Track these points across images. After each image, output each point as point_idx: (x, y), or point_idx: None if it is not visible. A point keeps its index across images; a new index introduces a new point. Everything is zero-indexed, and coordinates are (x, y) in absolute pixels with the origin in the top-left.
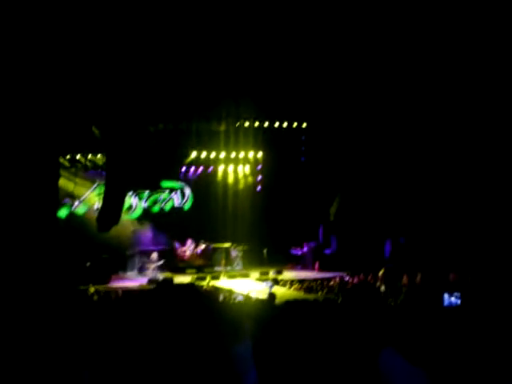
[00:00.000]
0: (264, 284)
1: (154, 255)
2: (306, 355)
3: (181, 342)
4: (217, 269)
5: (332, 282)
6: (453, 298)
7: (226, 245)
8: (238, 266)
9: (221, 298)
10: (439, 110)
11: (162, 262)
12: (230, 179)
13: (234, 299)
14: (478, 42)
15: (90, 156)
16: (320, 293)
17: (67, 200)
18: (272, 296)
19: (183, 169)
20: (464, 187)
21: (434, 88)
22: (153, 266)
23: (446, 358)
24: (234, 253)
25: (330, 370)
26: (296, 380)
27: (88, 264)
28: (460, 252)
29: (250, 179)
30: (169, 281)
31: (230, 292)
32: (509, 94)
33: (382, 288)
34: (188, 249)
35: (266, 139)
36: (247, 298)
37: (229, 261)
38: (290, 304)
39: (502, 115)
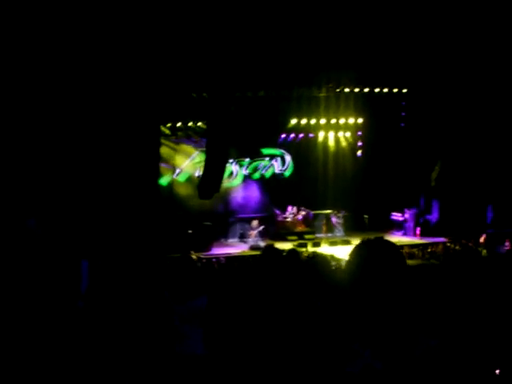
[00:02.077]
0: None
1: (255, 222)
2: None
3: (282, 304)
4: (318, 235)
5: (434, 248)
6: None
7: (327, 211)
8: (338, 232)
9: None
10: None
11: (262, 229)
12: (331, 145)
13: (336, 266)
14: None
15: (190, 124)
16: (422, 258)
17: (169, 168)
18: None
19: (283, 135)
20: None
21: None
22: (254, 232)
23: None
24: (334, 219)
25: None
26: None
27: (190, 231)
28: None
29: (351, 145)
30: (273, 247)
31: (332, 258)
32: None
33: (484, 253)
34: (289, 215)
35: (366, 105)
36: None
37: (330, 227)
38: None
39: None
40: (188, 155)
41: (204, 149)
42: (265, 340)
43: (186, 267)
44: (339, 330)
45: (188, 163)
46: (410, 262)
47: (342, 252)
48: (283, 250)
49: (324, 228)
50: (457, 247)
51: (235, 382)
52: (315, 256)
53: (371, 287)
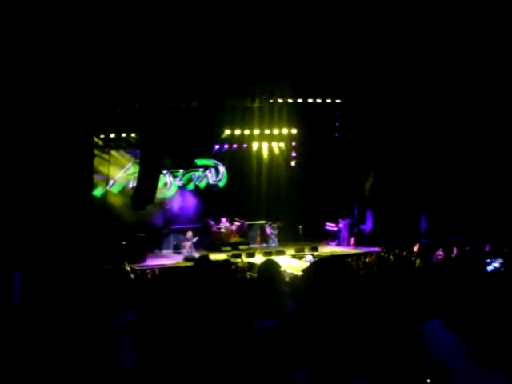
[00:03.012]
0: (308, 257)
1: (189, 233)
2: (343, 334)
3: (213, 314)
4: (252, 246)
5: (368, 258)
6: (496, 265)
7: (261, 222)
8: (273, 242)
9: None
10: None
11: (196, 240)
12: (265, 156)
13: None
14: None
15: (124, 134)
16: (355, 268)
17: (102, 179)
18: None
19: (217, 146)
20: (499, 159)
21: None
22: (188, 243)
23: (487, 329)
24: (269, 230)
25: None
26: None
27: (124, 242)
28: (496, 224)
29: (285, 156)
30: (206, 258)
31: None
32: None
33: (418, 262)
34: (223, 226)
35: (300, 115)
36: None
37: (264, 238)
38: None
39: None
40: (122, 166)
41: (138, 160)
42: (196, 350)
43: (119, 279)
44: (279, 341)
45: (122, 174)
46: None
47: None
48: (216, 261)
49: (258, 238)
50: (390, 257)
51: None
52: (269, 262)
53: (320, 303)
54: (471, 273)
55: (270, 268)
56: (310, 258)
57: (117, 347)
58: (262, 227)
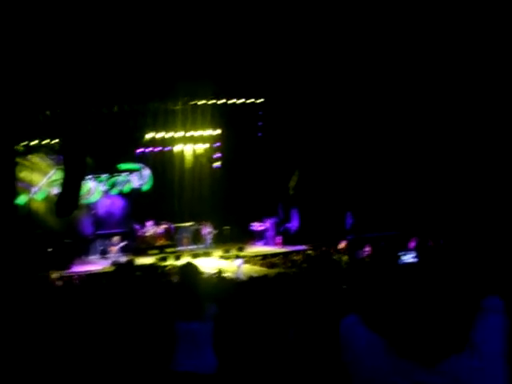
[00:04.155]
0: (236, 261)
1: (116, 238)
2: (267, 330)
3: (135, 319)
4: (179, 248)
5: (295, 256)
6: (408, 257)
7: (188, 224)
8: (200, 244)
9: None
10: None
11: (123, 244)
12: (188, 158)
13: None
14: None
15: (46, 141)
16: (282, 267)
17: (25, 187)
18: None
19: (141, 150)
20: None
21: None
22: (115, 248)
23: (401, 322)
24: (205, 230)
25: (291, 344)
26: (256, 357)
27: (49, 249)
28: (421, 218)
29: (208, 157)
30: (127, 263)
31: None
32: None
33: (345, 259)
34: (149, 230)
35: (222, 116)
36: (216, 276)
37: (191, 240)
38: (254, 280)
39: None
40: (45, 173)
41: (61, 166)
42: (119, 355)
43: (41, 286)
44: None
45: (45, 181)
46: (271, 271)
47: (204, 264)
48: (141, 266)
49: (185, 241)
50: (317, 254)
51: None
52: (188, 265)
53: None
54: (384, 267)
55: (190, 271)
56: (238, 261)
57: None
58: (189, 229)
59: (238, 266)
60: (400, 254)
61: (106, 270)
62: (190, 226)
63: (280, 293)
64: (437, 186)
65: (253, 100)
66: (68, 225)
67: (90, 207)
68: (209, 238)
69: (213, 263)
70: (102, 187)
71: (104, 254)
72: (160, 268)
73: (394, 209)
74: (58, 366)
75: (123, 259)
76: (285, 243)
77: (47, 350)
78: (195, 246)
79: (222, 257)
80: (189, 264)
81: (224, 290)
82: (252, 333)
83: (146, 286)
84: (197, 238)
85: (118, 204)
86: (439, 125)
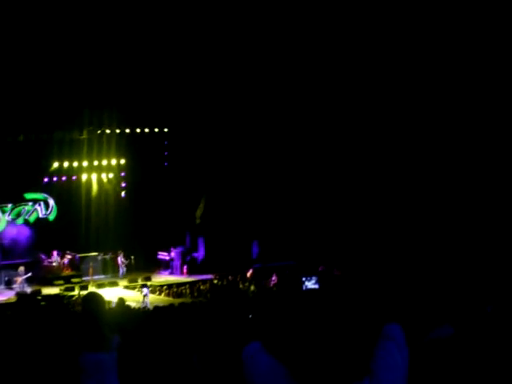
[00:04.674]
0: (143, 290)
1: (21, 268)
2: (171, 363)
3: (39, 350)
4: (85, 279)
5: (202, 286)
6: (310, 283)
7: (93, 254)
8: (104, 274)
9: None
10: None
11: (29, 275)
12: (94, 187)
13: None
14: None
15: None
16: (189, 296)
17: None
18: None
19: (46, 179)
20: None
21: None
22: (20, 278)
23: (307, 350)
24: (120, 259)
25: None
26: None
27: None
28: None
29: (114, 186)
30: (32, 293)
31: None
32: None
33: (252, 288)
34: (54, 260)
35: (128, 146)
36: (118, 305)
37: (99, 270)
38: (159, 309)
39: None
40: None
41: None
42: None
43: None
44: None
45: None
46: (177, 300)
47: (109, 294)
48: (41, 296)
49: (91, 271)
50: (224, 283)
51: None
52: (91, 295)
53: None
54: (288, 295)
55: (93, 301)
56: (145, 290)
57: None
58: (94, 259)
59: (145, 295)
60: (303, 279)
61: (11, 301)
62: (96, 255)
63: (185, 322)
64: (342, 217)
65: (158, 129)
66: None
67: None
68: (122, 268)
69: (118, 293)
70: (7, 217)
71: (9, 284)
72: (65, 298)
73: (300, 238)
74: None
75: (28, 289)
76: (191, 272)
77: None
78: (103, 276)
79: (127, 286)
80: (92, 293)
81: (129, 320)
82: (157, 361)
83: (50, 316)
84: (105, 267)
85: (24, 234)
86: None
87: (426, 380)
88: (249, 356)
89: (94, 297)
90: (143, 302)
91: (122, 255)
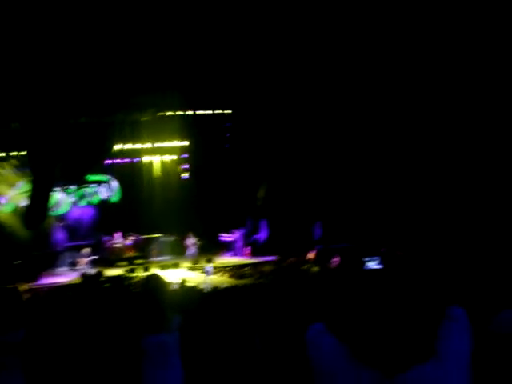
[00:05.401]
0: (206, 268)
1: (86, 250)
2: (233, 344)
3: (101, 331)
4: (148, 260)
5: (264, 267)
6: (373, 263)
7: (156, 235)
8: (168, 256)
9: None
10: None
11: (93, 257)
12: (156, 169)
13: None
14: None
15: (15, 153)
16: (252, 278)
17: None
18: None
19: (109, 161)
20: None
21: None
22: (84, 260)
23: (369, 331)
24: (163, 243)
25: (257, 355)
26: (223, 367)
27: (17, 262)
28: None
29: (176, 168)
30: (95, 275)
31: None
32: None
33: (315, 269)
34: (118, 241)
35: (190, 127)
36: (181, 286)
37: (160, 251)
38: (221, 291)
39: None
40: (13, 185)
41: (29, 178)
42: (85, 369)
43: (8, 298)
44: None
45: (13, 193)
46: (240, 281)
47: (173, 275)
48: (108, 278)
49: (154, 252)
50: (285, 265)
51: None
52: (152, 277)
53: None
54: (350, 275)
55: (154, 282)
56: (208, 268)
57: (3, 367)
58: (157, 240)
59: (207, 273)
60: (365, 260)
61: (74, 282)
62: (160, 237)
63: (248, 303)
64: (405, 197)
65: (220, 111)
66: (36, 237)
67: (59, 219)
68: (192, 249)
69: (181, 274)
70: (71, 199)
71: (73, 266)
72: (127, 279)
73: (363, 219)
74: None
75: (92, 271)
76: (254, 254)
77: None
78: (166, 257)
79: (190, 268)
80: (153, 275)
81: (191, 301)
82: (219, 343)
83: (113, 297)
84: (169, 249)
85: (87, 216)
86: (408, 136)
87: (491, 366)
88: (312, 337)
89: (155, 278)
90: (206, 282)
91: (191, 236)
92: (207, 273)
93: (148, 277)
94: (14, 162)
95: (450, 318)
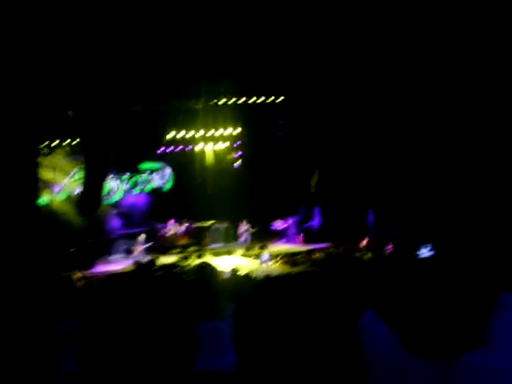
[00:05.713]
0: (263, 257)
1: (142, 237)
2: (285, 331)
3: (154, 319)
4: (201, 247)
5: (317, 254)
6: (425, 250)
7: (209, 223)
8: (220, 243)
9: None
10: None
11: (148, 244)
12: (209, 157)
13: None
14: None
15: (68, 141)
16: (304, 266)
17: (48, 187)
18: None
19: (162, 149)
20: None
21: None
22: (139, 248)
23: (420, 319)
24: (216, 230)
25: (310, 345)
26: (275, 355)
27: (72, 250)
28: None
29: (229, 156)
30: (149, 262)
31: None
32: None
33: (369, 256)
34: (171, 229)
35: (243, 115)
36: (233, 274)
37: (213, 239)
38: (273, 278)
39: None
40: (67, 173)
41: (83, 166)
42: (139, 356)
43: (63, 286)
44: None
45: (67, 181)
46: (293, 269)
47: (226, 262)
48: (161, 265)
49: (207, 239)
50: (338, 252)
51: None
52: (203, 265)
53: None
54: (403, 263)
55: (206, 270)
56: (265, 256)
57: (60, 354)
58: (211, 228)
59: (264, 261)
60: (418, 247)
61: (127, 270)
62: (213, 224)
63: (302, 291)
64: (458, 185)
65: (273, 98)
66: (91, 225)
67: (112, 207)
68: (246, 236)
69: (235, 261)
70: (124, 186)
71: (128, 253)
72: (181, 267)
73: (416, 207)
74: (76, 367)
75: (146, 258)
76: (307, 241)
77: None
78: (220, 245)
79: (243, 255)
80: (204, 263)
81: (244, 289)
82: (271, 330)
83: (166, 285)
84: (223, 236)
85: (140, 203)
86: (452, 123)
87: None
88: (364, 324)
89: (206, 266)
90: (259, 270)
91: (244, 224)
92: (263, 261)
93: (198, 265)
94: (67, 149)
95: (502, 305)
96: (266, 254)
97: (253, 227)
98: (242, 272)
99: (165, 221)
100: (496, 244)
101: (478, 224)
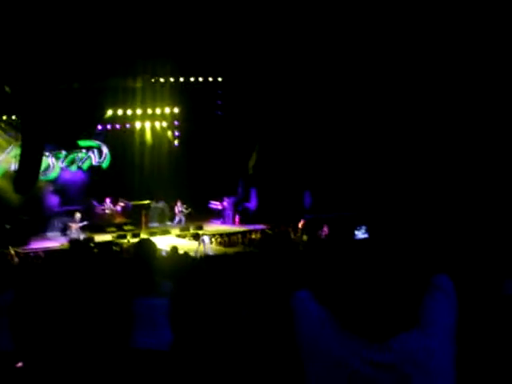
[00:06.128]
0: (204, 239)
1: (77, 215)
2: (219, 311)
3: (91, 295)
4: (137, 226)
5: (253, 235)
6: (360, 232)
7: (146, 202)
8: (157, 222)
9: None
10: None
11: (84, 223)
12: (148, 136)
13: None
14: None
15: (4, 117)
16: (241, 246)
17: None
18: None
19: (100, 127)
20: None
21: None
22: (75, 225)
23: (355, 299)
24: (153, 209)
25: (244, 323)
26: (209, 334)
27: (7, 226)
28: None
29: (168, 135)
30: (85, 240)
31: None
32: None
33: (304, 238)
34: (107, 207)
35: (182, 94)
36: (172, 252)
37: (149, 218)
38: (209, 259)
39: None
40: (3, 149)
41: (19, 142)
42: (73, 332)
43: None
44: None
45: (3, 157)
46: (229, 249)
47: (161, 242)
48: (98, 243)
49: (143, 218)
50: (274, 234)
51: (43, 376)
52: (143, 241)
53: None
54: (338, 244)
55: (145, 246)
56: (206, 239)
57: None
58: (147, 207)
59: (203, 242)
60: (354, 229)
61: (64, 247)
62: (149, 203)
63: (238, 271)
64: (394, 165)
65: (212, 79)
66: (27, 201)
67: (49, 184)
68: (180, 216)
69: (171, 241)
70: (61, 164)
71: (64, 231)
72: (116, 245)
73: (352, 189)
74: (13, 345)
75: (82, 236)
76: (243, 222)
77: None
78: (156, 224)
79: (179, 235)
80: (144, 239)
81: (181, 268)
82: (207, 310)
83: (102, 262)
84: (159, 216)
85: (77, 181)
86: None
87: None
88: (297, 303)
89: (145, 242)
90: (196, 250)
91: (180, 204)
92: (203, 242)
93: (138, 241)
94: (3, 125)
95: (434, 287)
96: (206, 237)
97: (187, 208)
98: (180, 252)
99: (102, 199)
100: (431, 226)
101: (412, 205)
